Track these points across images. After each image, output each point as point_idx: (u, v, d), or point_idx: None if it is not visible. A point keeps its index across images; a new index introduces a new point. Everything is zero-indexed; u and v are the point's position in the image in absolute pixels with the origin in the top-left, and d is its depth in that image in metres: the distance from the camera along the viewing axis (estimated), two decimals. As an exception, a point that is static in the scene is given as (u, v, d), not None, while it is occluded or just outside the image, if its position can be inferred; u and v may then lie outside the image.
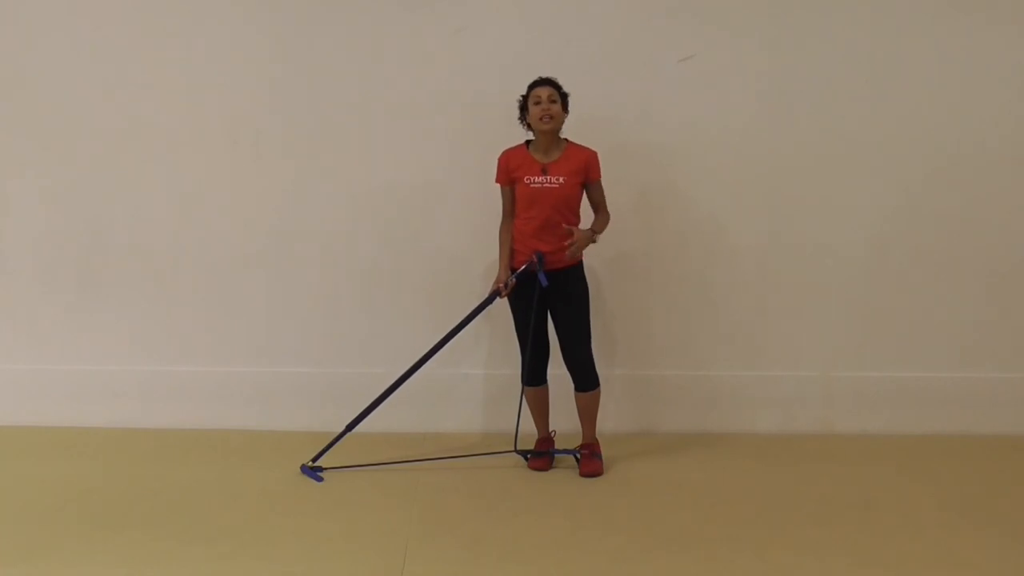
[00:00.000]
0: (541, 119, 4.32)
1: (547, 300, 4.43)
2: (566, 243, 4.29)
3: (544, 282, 4.34)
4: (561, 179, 4.34)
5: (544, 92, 4.34)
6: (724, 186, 4.99)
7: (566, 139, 4.44)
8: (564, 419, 4.61)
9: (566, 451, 4.54)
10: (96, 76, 4.98)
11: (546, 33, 4.89)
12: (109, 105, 4.99)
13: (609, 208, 4.46)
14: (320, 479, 4.36)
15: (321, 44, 4.95)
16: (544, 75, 4.41)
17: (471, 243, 4.93)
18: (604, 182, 4.43)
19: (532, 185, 4.36)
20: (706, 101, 4.94)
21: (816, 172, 4.98)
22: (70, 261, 5.07)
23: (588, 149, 4.41)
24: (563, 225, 4.32)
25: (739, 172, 4.98)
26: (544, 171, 4.36)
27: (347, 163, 5.00)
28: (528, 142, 4.46)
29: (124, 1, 4.96)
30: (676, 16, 4.91)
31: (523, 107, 4.42)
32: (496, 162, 4.46)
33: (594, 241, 4.41)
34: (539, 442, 4.60)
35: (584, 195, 4.45)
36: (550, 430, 4.63)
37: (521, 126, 4.46)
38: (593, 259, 4.78)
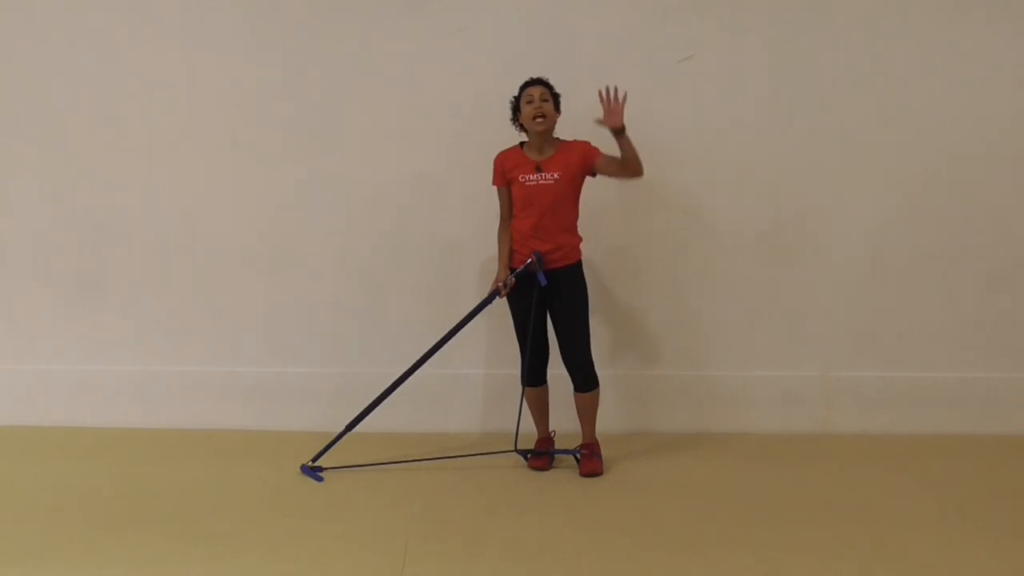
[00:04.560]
0: (535, 119, 4.32)
1: (546, 300, 4.43)
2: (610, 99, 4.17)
3: (543, 281, 4.34)
4: (556, 175, 4.34)
5: (536, 91, 4.34)
6: (724, 186, 4.99)
7: (558, 137, 4.44)
8: (564, 419, 4.61)
9: (566, 451, 4.54)
10: (96, 76, 4.98)
11: (546, 33, 4.89)
12: (110, 105, 4.99)
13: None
14: (320, 479, 4.36)
15: (321, 44, 4.95)
16: (543, 75, 4.41)
17: (471, 243, 4.93)
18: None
19: (527, 184, 4.37)
20: (706, 101, 4.94)
21: (816, 172, 4.98)
22: (70, 261, 5.08)
23: (579, 141, 4.39)
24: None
25: (739, 172, 4.98)
26: (538, 169, 4.36)
27: (347, 163, 5.00)
28: (523, 143, 4.47)
29: (124, 2, 4.97)
30: (676, 16, 4.91)
31: (515, 107, 4.43)
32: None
33: (622, 131, 4.20)
34: (539, 442, 4.60)
35: (593, 175, 4.39)
36: (550, 430, 4.63)
37: (514, 127, 4.46)
38: (593, 258, 4.78)
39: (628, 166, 4.27)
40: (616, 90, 4.20)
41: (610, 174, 4.38)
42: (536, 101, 4.33)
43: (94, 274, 5.08)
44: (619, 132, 4.22)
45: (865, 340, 5.05)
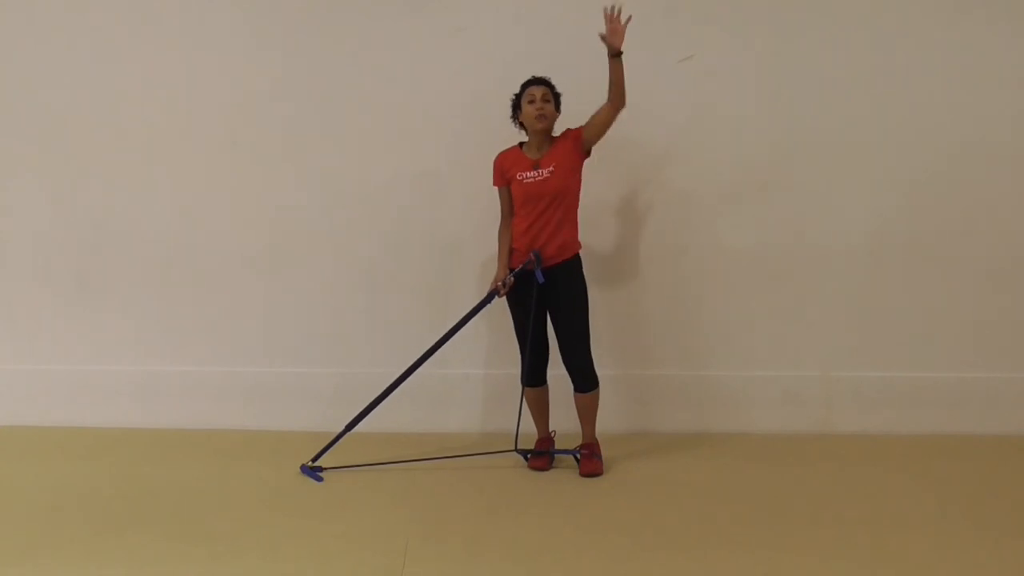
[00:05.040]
0: (536, 118, 4.33)
1: (545, 300, 4.43)
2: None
3: (541, 279, 4.34)
4: (551, 169, 4.34)
5: (538, 91, 4.35)
6: (723, 186, 4.99)
7: (555, 136, 4.44)
8: (564, 419, 4.61)
9: (566, 451, 4.54)
10: (96, 76, 4.98)
11: (546, 33, 4.89)
12: (109, 105, 4.99)
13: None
14: (320, 479, 4.36)
15: (321, 44, 4.95)
16: (542, 74, 4.41)
17: (471, 243, 4.93)
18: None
19: (525, 181, 4.37)
20: (705, 101, 4.94)
21: (816, 171, 4.98)
22: (70, 261, 5.08)
23: (564, 132, 4.39)
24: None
25: (739, 172, 4.98)
26: (536, 167, 4.37)
27: (347, 163, 5.00)
28: (522, 143, 4.47)
29: (124, 2, 4.97)
30: (676, 16, 4.91)
31: (516, 105, 4.43)
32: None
33: (619, 54, 4.22)
34: (539, 442, 4.60)
35: (595, 139, 4.36)
36: (550, 430, 4.63)
37: (513, 125, 4.46)
38: (593, 258, 4.78)
39: (613, 94, 4.23)
40: (620, 10, 4.17)
41: (597, 132, 4.32)
42: (538, 101, 4.34)
43: (94, 274, 5.08)
44: (616, 55, 4.21)
45: (865, 340, 5.05)
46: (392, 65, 4.95)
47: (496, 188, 4.49)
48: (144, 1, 4.97)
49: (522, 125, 4.45)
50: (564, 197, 4.36)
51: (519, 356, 4.52)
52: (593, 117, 4.33)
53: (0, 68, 5.01)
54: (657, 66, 4.90)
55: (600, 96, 4.80)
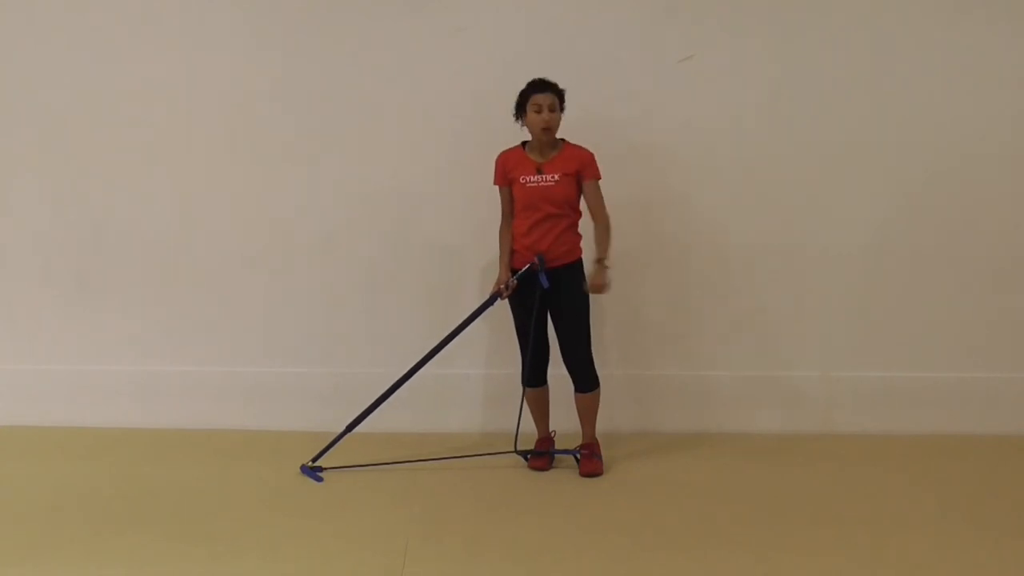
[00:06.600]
0: (542, 130, 4.31)
1: (547, 300, 4.43)
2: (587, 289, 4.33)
3: (545, 284, 4.34)
4: (556, 176, 4.34)
5: (545, 100, 4.31)
6: (724, 186, 4.98)
7: (563, 139, 4.43)
8: (564, 419, 4.61)
9: (566, 451, 4.54)
10: (96, 76, 4.97)
11: (546, 33, 4.89)
12: (109, 105, 4.98)
13: (608, 209, 4.43)
14: (320, 479, 4.36)
15: (321, 44, 4.94)
16: (544, 75, 4.39)
17: (471, 243, 4.93)
18: (604, 182, 4.41)
19: (528, 184, 4.37)
20: (706, 101, 4.94)
21: (816, 172, 4.98)
22: (70, 261, 5.07)
23: (585, 149, 4.40)
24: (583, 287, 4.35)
25: (739, 172, 4.98)
26: (539, 170, 4.36)
27: (347, 163, 5.00)
28: (525, 143, 4.46)
29: (124, 2, 4.97)
30: (676, 16, 4.91)
31: (520, 105, 4.41)
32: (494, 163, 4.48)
33: (607, 267, 4.36)
34: (539, 442, 4.60)
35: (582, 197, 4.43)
36: (550, 430, 4.63)
37: (517, 123, 4.45)
38: (592, 259, 4.78)
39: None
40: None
41: (588, 205, 4.42)
42: (544, 112, 4.30)
43: (94, 274, 5.07)
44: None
45: (865, 340, 5.05)
46: (392, 65, 4.95)
47: (497, 187, 4.49)
48: (144, 1, 4.96)
49: (525, 124, 4.43)
50: (566, 203, 4.36)
51: (519, 356, 4.53)
52: (593, 204, 4.39)
53: (0, 68, 5.00)
54: (657, 66, 4.90)
55: (598, 96, 4.83)
